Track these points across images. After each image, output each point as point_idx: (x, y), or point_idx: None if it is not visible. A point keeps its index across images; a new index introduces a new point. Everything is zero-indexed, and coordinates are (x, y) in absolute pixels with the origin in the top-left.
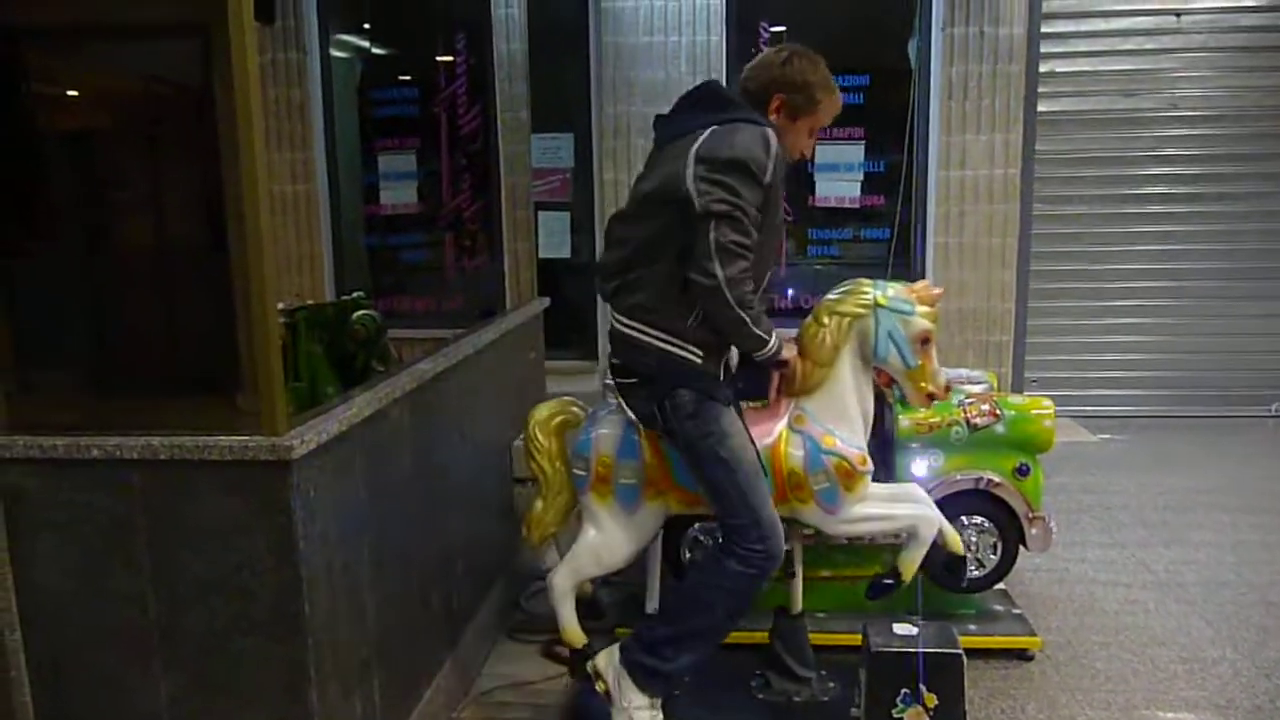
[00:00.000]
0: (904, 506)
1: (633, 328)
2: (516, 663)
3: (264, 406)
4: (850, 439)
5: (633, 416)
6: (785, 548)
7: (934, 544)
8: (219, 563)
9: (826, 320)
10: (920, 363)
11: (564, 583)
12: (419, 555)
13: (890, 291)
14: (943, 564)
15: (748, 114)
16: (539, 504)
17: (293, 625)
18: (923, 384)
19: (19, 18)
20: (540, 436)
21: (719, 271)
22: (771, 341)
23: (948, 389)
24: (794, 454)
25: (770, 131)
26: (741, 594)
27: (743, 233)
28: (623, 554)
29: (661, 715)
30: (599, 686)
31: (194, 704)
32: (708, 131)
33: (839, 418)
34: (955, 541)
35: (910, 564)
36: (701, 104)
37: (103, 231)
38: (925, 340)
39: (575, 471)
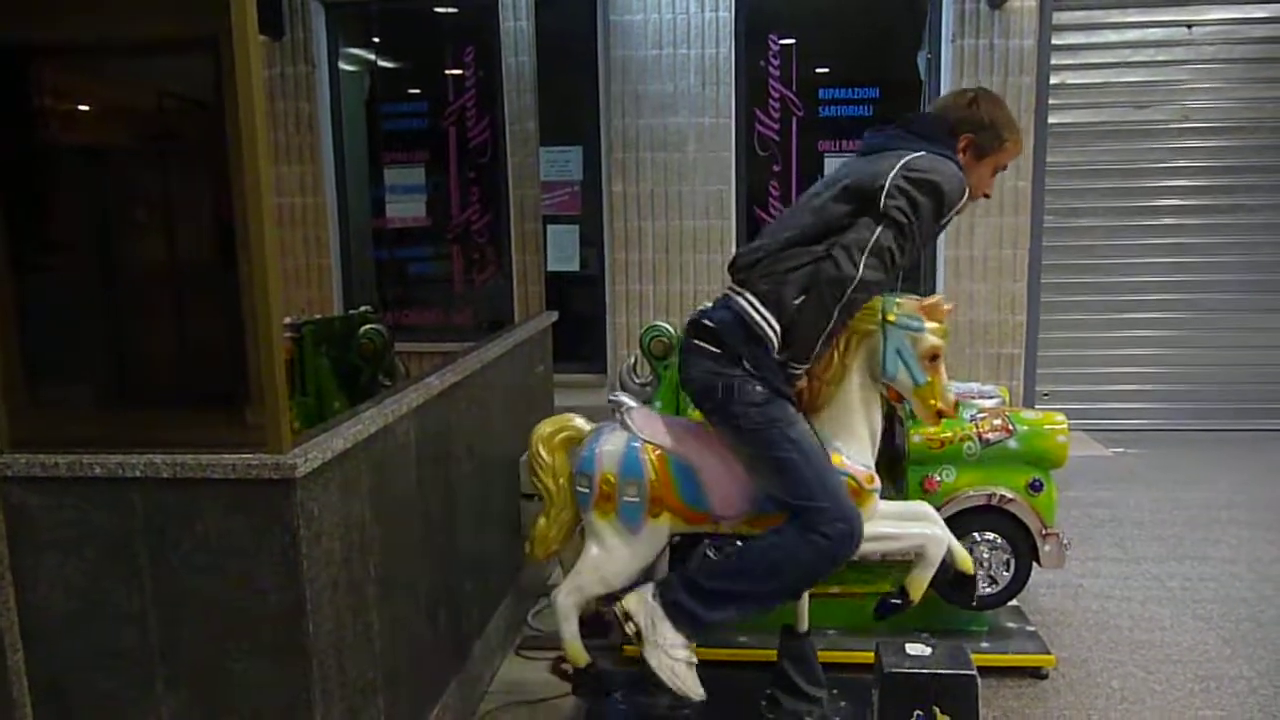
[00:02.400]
0: (912, 525)
1: (752, 305)
2: (525, 680)
3: (268, 424)
4: (858, 457)
5: (631, 430)
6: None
7: (943, 563)
8: (222, 582)
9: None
10: (929, 379)
11: (568, 601)
12: (426, 573)
13: (899, 308)
14: (950, 582)
15: (956, 157)
16: (542, 520)
17: (297, 646)
18: (932, 401)
19: (31, 33)
20: (544, 453)
21: (859, 269)
22: (808, 366)
23: (956, 406)
24: None
25: (966, 184)
26: (815, 573)
27: (900, 248)
28: (627, 572)
29: (694, 655)
30: (629, 628)
31: None
32: (924, 152)
33: (847, 436)
34: (965, 560)
35: (919, 584)
36: (915, 127)
37: (112, 245)
38: (934, 357)
39: (578, 489)
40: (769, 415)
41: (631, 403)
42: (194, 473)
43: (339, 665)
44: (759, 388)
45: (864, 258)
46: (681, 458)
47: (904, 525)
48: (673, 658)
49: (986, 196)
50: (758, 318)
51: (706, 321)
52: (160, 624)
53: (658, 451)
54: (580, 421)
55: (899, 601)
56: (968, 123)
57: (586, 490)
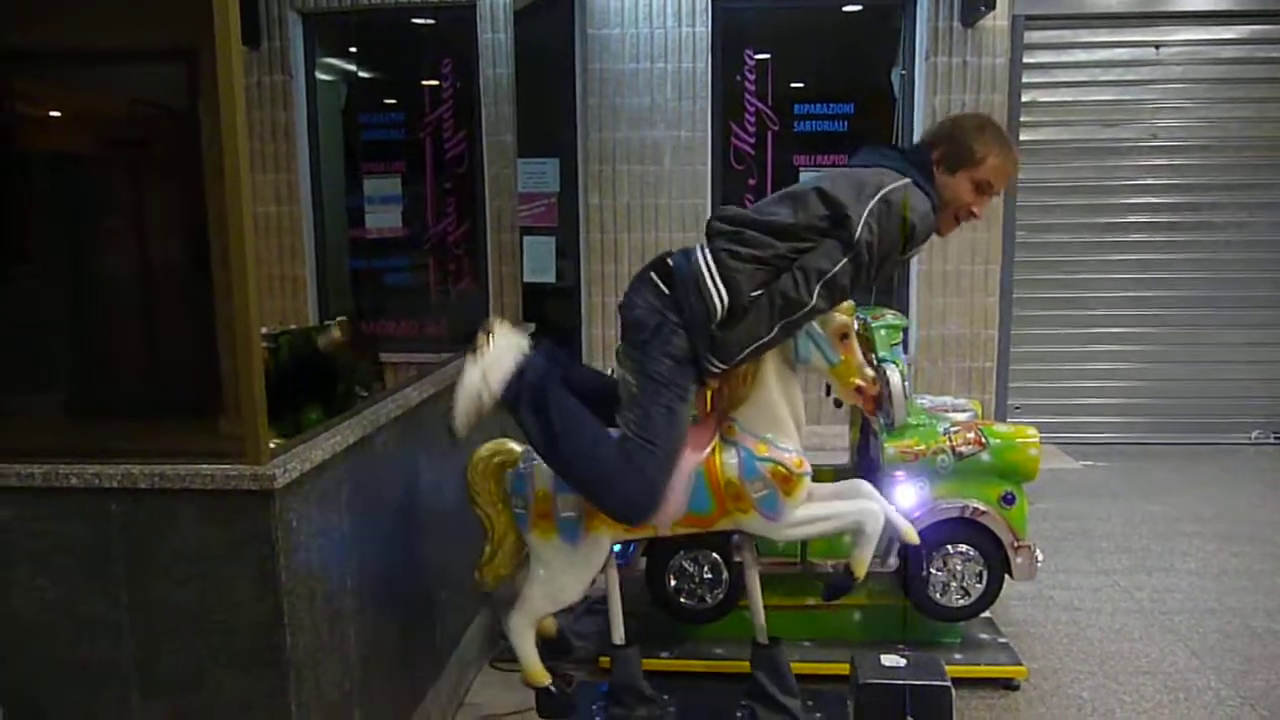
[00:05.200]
0: (847, 504)
1: (709, 270)
2: (500, 692)
3: (246, 435)
4: (785, 443)
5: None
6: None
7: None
8: (199, 593)
9: None
10: (843, 358)
11: (521, 623)
12: (403, 585)
13: None
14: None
15: (932, 191)
16: (488, 547)
17: (274, 657)
18: (850, 379)
19: (9, 41)
20: (478, 480)
21: (814, 298)
22: (726, 368)
23: (874, 382)
24: (729, 464)
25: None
26: (605, 490)
27: (853, 283)
28: (573, 588)
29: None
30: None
31: None
32: (905, 181)
33: (770, 424)
34: (909, 531)
35: (861, 560)
36: (910, 152)
37: (90, 254)
38: (844, 335)
39: (515, 510)
40: (675, 376)
41: None
42: (172, 483)
43: (316, 677)
44: (683, 344)
45: (819, 288)
46: None
47: (837, 505)
48: (489, 386)
49: (973, 217)
50: (709, 283)
51: (668, 260)
52: (136, 635)
53: None
54: (515, 444)
55: (845, 582)
56: (944, 137)
57: (523, 510)
